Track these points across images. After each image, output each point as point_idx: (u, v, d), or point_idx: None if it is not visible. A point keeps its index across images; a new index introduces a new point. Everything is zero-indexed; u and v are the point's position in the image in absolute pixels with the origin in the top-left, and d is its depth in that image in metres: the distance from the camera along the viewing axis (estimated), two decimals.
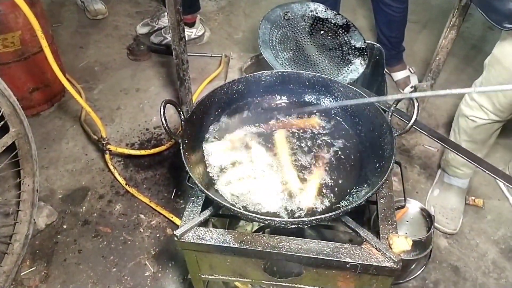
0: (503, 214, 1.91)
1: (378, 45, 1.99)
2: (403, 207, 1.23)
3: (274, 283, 1.16)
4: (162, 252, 1.73)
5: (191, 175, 1.05)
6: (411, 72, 2.57)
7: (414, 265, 1.60)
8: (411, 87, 2.50)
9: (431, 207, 1.86)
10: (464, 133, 1.70)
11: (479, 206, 1.92)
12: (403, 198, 1.26)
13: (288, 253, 1.02)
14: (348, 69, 1.59)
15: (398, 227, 1.09)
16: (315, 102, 1.38)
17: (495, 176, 1.15)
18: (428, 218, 1.62)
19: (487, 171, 1.19)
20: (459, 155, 1.27)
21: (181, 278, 1.65)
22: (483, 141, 1.68)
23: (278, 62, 1.55)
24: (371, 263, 1.00)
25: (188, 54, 1.98)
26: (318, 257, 1.01)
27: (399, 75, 2.55)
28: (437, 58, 1.93)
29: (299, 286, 1.15)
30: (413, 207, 1.65)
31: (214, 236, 1.07)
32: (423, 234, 1.58)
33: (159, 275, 1.66)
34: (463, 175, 1.86)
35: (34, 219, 1.66)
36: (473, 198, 1.94)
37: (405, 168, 2.08)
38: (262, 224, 1.41)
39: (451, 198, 1.87)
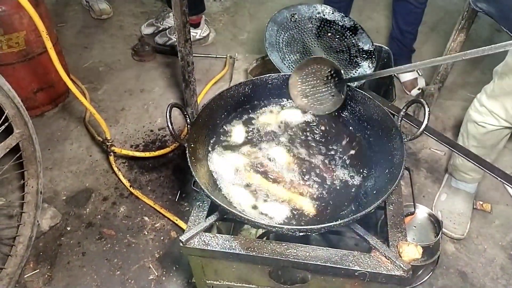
0: (511, 219, 1.89)
1: (386, 47, 1.97)
2: (412, 213, 1.21)
3: None
4: (166, 255, 1.72)
5: (197, 180, 1.03)
6: (418, 74, 2.55)
7: (421, 270, 1.58)
8: (418, 89, 2.48)
9: (438, 212, 1.84)
10: (473, 138, 1.67)
11: (487, 211, 1.90)
12: (412, 204, 1.24)
13: (296, 260, 1.01)
14: (356, 72, 1.57)
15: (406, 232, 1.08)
16: None
17: (506, 183, 1.13)
18: (436, 223, 1.60)
19: (498, 177, 1.17)
20: (469, 160, 1.24)
21: (186, 281, 1.63)
22: (492, 146, 1.66)
23: (285, 64, 1.53)
24: (380, 272, 0.98)
25: (193, 55, 1.97)
26: (326, 264, 1.00)
27: (406, 77, 2.52)
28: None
29: None
30: (421, 212, 1.63)
31: (220, 242, 1.05)
32: (431, 240, 1.55)
33: (163, 278, 1.64)
34: (471, 180, 1.83)
35: (37, 221, 1.65)
36: (481, 202, 1.91)
37: (412, 172, 2.06)
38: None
39: (458, 203, 1.85)
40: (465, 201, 1.85)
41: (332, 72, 1.26)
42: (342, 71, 1.24)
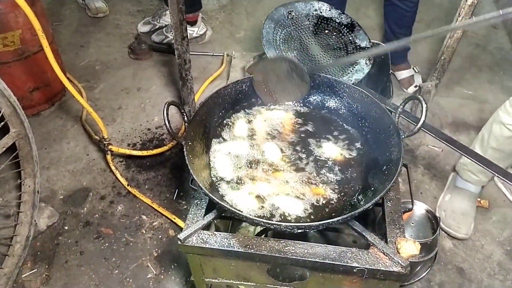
0: (508, 215, 1.89)
1: (383, 44, 1.97)
2: (410, 210, 1.21)
3: (279, 287, 1.14)
4: (165, 253, 1.72)
5: (195, 178, 1.03)
6: (415, 72, 2.55)
7: (419, 267, 1.58)
8: (415, 87, 2.48)
9: (442, 212, 1.82)
10: (495, 140, 1.64)
11: (485, 207, 1.90)
12: (410, 201, 1.24)
13: (294, 257, 1.01)
14: (353, 69, 1.57)
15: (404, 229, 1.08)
16: (320, 103, 1.37)
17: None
18: (433, 220, 1.60)
19: (498, 175, 1.17)
20: (468, 157, 1.25)
21: (184, 280, 1.63)
22: (510, 152, 1.64)
23: None
24: (378, 268, 0.99)
25: (190, 53, 1.96)
26: (324, 261, 1.00)
27: (403, 74, 2.53)
28: (442, 58, 1.90)
29: None
30: (418, 208, 1.63)
31: (218, 240, 1.05)
32: (428, 236, 1.56)
33: (162, 277, 1.64)
34: (477, 182, 1.81)
35: (35, 221, 1.64)
36: (479, 199, 1.92)
37: (409, 168, 2.06)
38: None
39: (462, 203, 1.82)
40: (469, 201, 1.84)
41: (290, 65, 1.30)
42: (297, 62, 1.31)
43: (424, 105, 1.09)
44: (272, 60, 1.37)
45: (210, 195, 1.00)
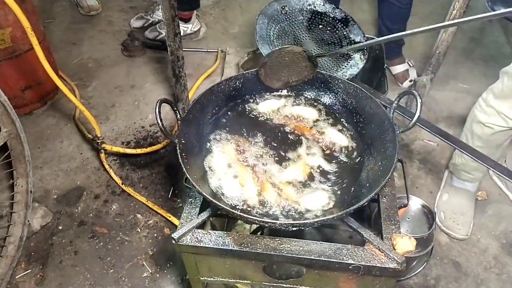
0: (503, 209, 1.90)
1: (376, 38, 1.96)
2: (405, 205, 1.20)
3: (275, 284, 1.13)
4: (160, 252, 1.70)
5: (188, 176, 1.02)
6: (410, 66, 2.55)
7: (415, 262, 1.58)
8: (410, 81, 2.48)
9: (441, 213, 1.82)
10: (479, 139, 1.63)
11: (484, 198, 1.90)
12: (406, 196, 1.23)
13: (289, 255, 1.00)
14: (347, 64, 1.55)
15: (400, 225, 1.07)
16: (314, 98, 1.36)
17: (507, 178, 1.12)
18: (429, 214, 1.60)
19: (492, 168, 1.16)
20: (463, 152, 1.24)
21: (180, 278, 1.62)
22: (498, 146, 1.63)
23: None
24: (374, 265, 0.98)
25: (184, 49, 1.94)
26: (320, 258, 0.99)
27: (398, 69, 2.52)
28: (437, 52, 1.90)
29: (300, 287, 1.13)
30: (414, 203, 1.63)
31: (212, 238, 1.04)
32: (424, 231, 1.55)
33: (157, 275, 1.63)
34: (473, 179, 1.81)
35: (28, 221, 1.62)
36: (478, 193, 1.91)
37: (405, 163, 2.06)
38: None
39: (461, 203, 1.82)
40: (468, 200, 1.83)
41: (294, 51, 1.28)
42: (300, 48, 1.28)
43: (419, 100, 1.08)
44: (276, 50, 1.32)
45: (204, 193, 0.99)
